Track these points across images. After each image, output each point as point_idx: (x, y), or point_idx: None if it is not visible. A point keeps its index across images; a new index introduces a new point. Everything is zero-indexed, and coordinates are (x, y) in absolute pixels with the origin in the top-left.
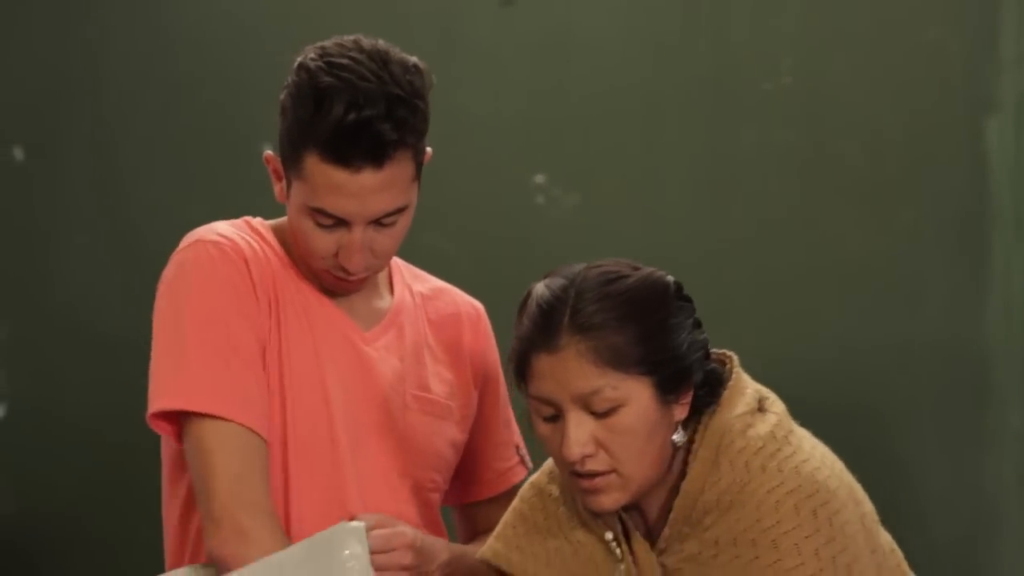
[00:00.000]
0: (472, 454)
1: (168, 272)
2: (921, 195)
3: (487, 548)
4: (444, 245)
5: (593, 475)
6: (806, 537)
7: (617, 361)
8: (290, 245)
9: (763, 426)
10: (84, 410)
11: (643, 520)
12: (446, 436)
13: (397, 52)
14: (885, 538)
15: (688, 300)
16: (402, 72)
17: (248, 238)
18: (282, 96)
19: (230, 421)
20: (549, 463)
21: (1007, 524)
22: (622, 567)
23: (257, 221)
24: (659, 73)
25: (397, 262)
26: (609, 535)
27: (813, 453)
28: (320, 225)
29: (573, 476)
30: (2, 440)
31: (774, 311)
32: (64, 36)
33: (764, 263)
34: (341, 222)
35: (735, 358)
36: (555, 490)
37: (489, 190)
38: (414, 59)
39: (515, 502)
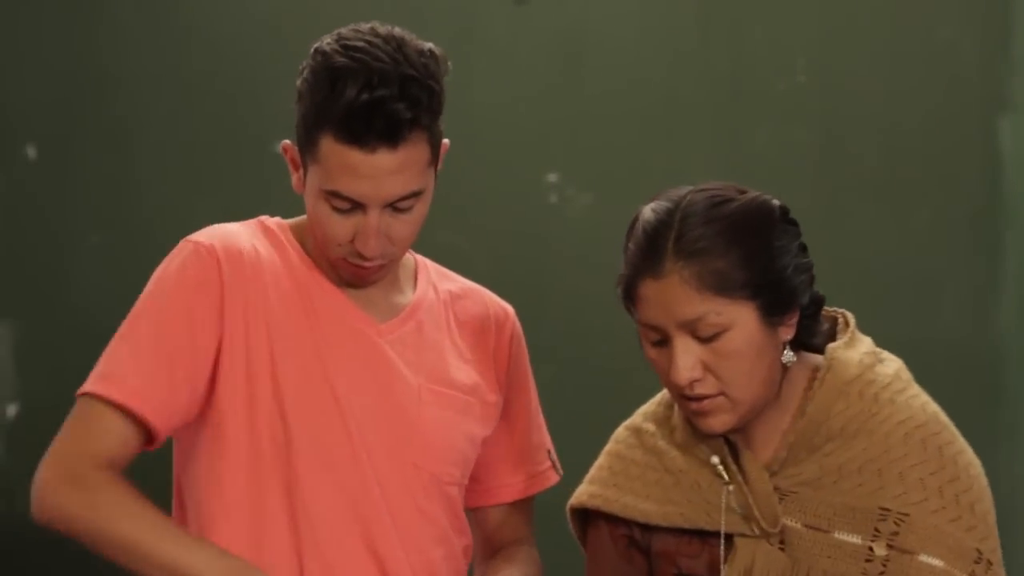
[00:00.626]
0: (500, 457)
1: None
2: (935, 194)
3: (579, 494)
4: (457, 243)
5: (702, 398)
6: (931, 474)
7: (721, 286)
8: (308, 241)
9: (888, 367)
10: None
11: (750, 443)
12: (464, 430)
13: (413, 38)
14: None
15: (794, 223)
16: (417, 55)
17: (252, 239)
18: (298, 82)
19: (107, 401)
20: (642, 408)
21: (1021, 522)
22: (731, 487)
23: (273, 221)
24: (673, 72)
25: (425, 261)
26: (715, 458)
27: (931, 400)
28: (336, 209)
29: (683, 399)
30: (15, 439)
31: None
32: (76, 35)
33: None
34: (357, 206)
35: (849, 315)
36: (651, 427)
37: (502, 189)
38: (429, 45)
39: (609, 445)
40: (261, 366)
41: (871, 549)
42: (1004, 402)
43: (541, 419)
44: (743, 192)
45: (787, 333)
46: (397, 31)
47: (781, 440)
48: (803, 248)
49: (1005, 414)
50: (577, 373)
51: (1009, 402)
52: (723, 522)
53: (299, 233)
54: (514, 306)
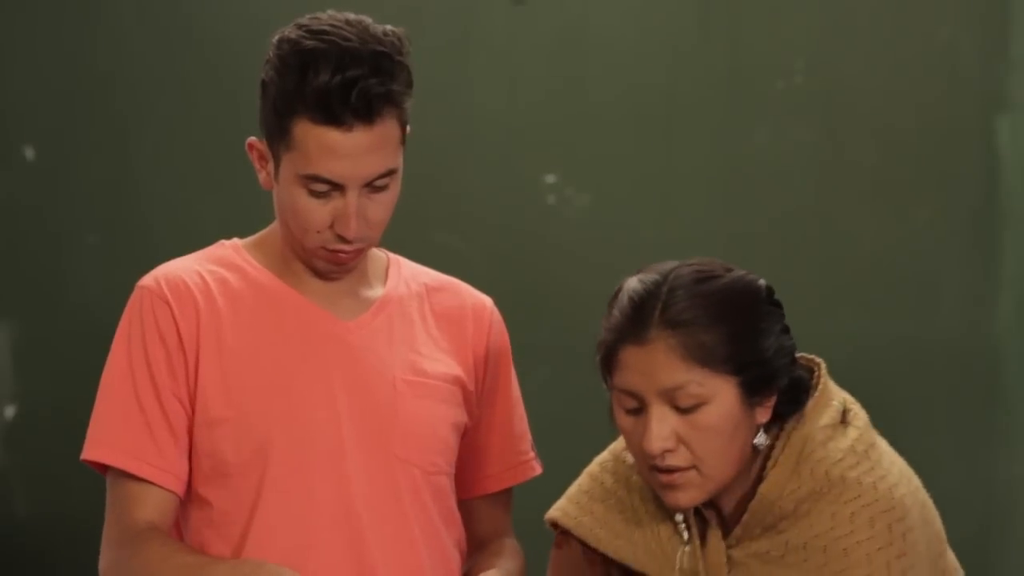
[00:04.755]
0: (481, 448)
1: None
2: (933, 193)
3: (556, 509)
4: (455, 243)
5: (672, 471)
6: (878, 549)
7: (705, 358)
8: (270, 255)
9: (844, 440)
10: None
11: (715, 512)
12: (445, 418)
13: (372, 20)
14: (951, 561)
15: (778, 305)
16: (383, 34)
17: (200, 269)
18: (264, 75)
19: (132, 476)
20: None
21: (1018, 522)
22: (687, 549)
23: (229, 243)
24: (672, 72)
25: (398, 258)
26: (679, 517)
27: (891, 469)
28: (313, 194)
29: (652, 471)
30: (14, 441)
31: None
32: (74, 36)
33: (776, 261)
34: (335, 188)
35: (823, 365)
36: (630, 457)
37: (500, 189)
38: (390, 26)
39: (590, 466)
40: (215, 395)
41: None
42: (1001, 402)
43: (522, 410)
44: (729, 270)
45: (763, 416)
46: (356, 16)
47: (738, 514)
48: (786, 330)
49: (1002, 414)
50: (573, 374)
51: (1006, 402)
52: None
53: (254, 250)
54: (511, 306)
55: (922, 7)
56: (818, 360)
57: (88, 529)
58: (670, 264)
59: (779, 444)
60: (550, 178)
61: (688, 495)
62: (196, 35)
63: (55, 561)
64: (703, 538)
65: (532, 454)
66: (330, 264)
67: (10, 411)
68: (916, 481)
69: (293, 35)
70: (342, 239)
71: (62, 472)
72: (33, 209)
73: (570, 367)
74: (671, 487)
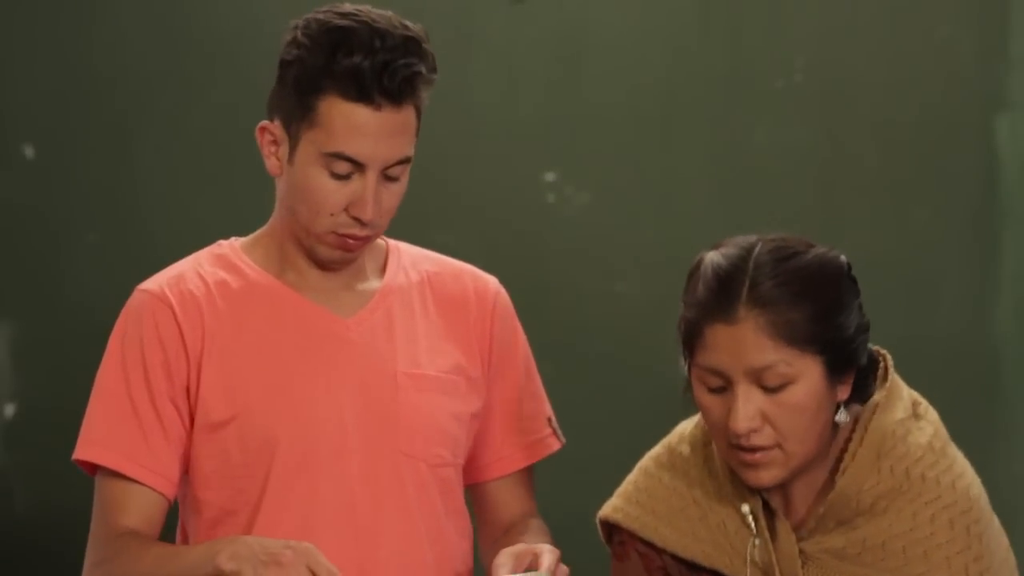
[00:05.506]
0: (493, 429)
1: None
2: (932, 192)
3: (614, 511)
4: (454, 242)
5: (755, 449)
6: (957, 552)
7: (793, 337)
8: (267, 254)
9: (922, 435)
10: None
11: (784, 502)
12: (448, 410)
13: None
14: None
15: (855, 282)
16: (407, 23)
17: (200, 272)
18: (284, 55)
19: (125, 477)
20: (680, 426)
21: (1018, 520)
22: (757, 542)
23: (226, 244)
24: (671, 71)
25: (398, 245)
26: (746, 508)
27: (965, 468)
28: (333, 175)
29: (734, 449)
30: (13, 439)
31: None
32: (74, 34)
33: None
34: (356, 168)
35: (888, 356)
36: (687, 450)
37: (500, 188)
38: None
39: (643, 461)
40: (218, 395)
41: None
42: (1001, 400)
43: (537, 387)
44: (811, 246)
45: (844, 393)
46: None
47: (812, 507)
48: (862, 307)
49: (1002, 412)
50: (574, 372)
51: (1006, 400)
52: (748, 574)
53: (251, 250)
54: (512, 304)
55: (922, 6)
56: (883, 351)
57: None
58: (751, 238)
59: (856, 436)
60: (549, 176)
61: (770, 473)
62: (196, 34)
63: (54, 559)
64: (771, 531)
65: (548, 431)
66: (336, 250)
67: (9, 409)
68: (978, 479)
69: (320, 16)
70: (357, 222)
71: (61, 470)
72: (32, 208)
73: (570, 365)
74: (753, 466)
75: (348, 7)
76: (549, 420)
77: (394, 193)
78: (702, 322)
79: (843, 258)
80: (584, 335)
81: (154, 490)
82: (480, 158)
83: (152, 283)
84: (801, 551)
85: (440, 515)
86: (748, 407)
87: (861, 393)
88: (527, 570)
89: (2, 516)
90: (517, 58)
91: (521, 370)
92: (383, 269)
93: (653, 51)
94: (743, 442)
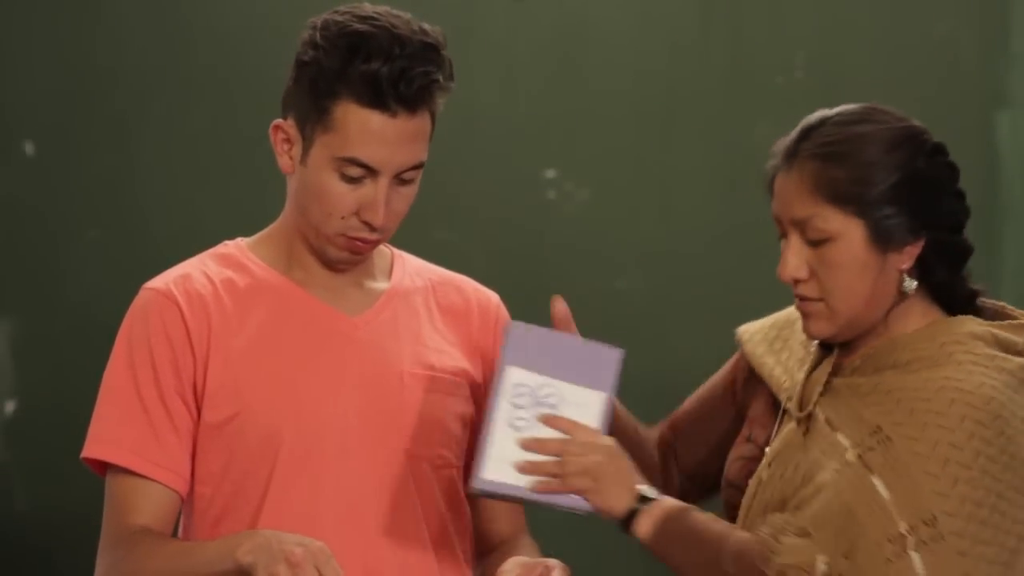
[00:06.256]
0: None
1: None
2: None
3: (745, 326)
4: (455, 240)
5: (805, 299)
6: (939, 426)
7: (832, 195)
8: (275, 252)
9: (994, 355)
10: (95, 406)
11: (850, 346)
12: (453, 411)
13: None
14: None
15: (942, 162)
16: (426, 27)
17: (206, 272)
18: (301, 55)
19: (136, 475)
20: None
21: None
22: (803, 370)
23: (232, 243)
24: (672, 68)
25: (402, 254)
26: (813, 343)
27: (1007, 396)
28: (345, 179)
29: (795, 296)
30: (13, 436)
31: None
32: (74, 31)
33: (775, 256)
34: (368, 174)
35: (1016, 312)
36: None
37: (500, 185)
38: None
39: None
40: (225, 392)
41: (846, 452)
42: None
43: None
44: (901, 120)
45: (903, 262)
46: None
47: (863, 351)
48: (958, 195)
49: None
50: None
51: None
52: (782, 391)
53: (258, 248)
54: (511, 301)
55: (922, 2)
56: (1015, 311)
57: (87, 524)
58: (861, 105)
59: (931, 318)
60: (550, 173)
61: (819, 326)
62: (196, 31)
63: (54, 556)
64: (819, 365)
65: None
66: (346, 252)
67: (10, 406)
68: None
69: (339, 18)
70: (367, 226)
71: (61, 467)
72: (33, 205)
73: None
74: (805, 315)
75: (368, 9)
76: None
77: (405, 196)
78: (773, 168)
79: (925, 136)
80: (584, 331)
81: (166, 487)
82: (480, 155)
83: (158, 281)
84: (830, 382)
85: (443, 515)
86: (794, 258)
87: (931, 273)
88: None
89: (2, 513)
90: (517, 55)
91: None
92: (390, 272)
93: (653, 47)
94: (794, 290)
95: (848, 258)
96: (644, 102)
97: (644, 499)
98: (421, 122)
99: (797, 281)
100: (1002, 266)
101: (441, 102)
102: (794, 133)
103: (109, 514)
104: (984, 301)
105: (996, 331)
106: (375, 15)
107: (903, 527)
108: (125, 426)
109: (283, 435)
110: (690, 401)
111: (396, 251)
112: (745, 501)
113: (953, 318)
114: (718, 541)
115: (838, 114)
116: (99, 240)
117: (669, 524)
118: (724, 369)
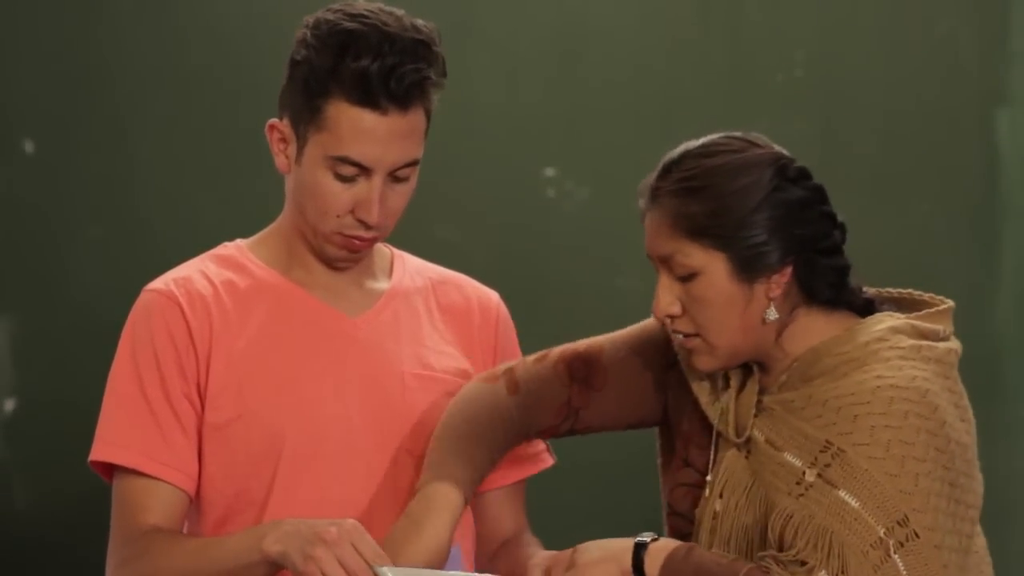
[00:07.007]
0: None
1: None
2: (932, 188)
3: None
4: (454, 237)
5: (682, 335)
6: (886, 426)
7: (690, 230)
8: (275, 253)
9: (911, 343)
10: (95, 404)
11: (768, 365)
12: None
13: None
14: (972, 499)
15: (804, 186)
16: (421, 24)
17: (206, 272)
18: (294, 54)
19: (145, 476)
20: None
21: (1018, 518)
22: (729, 393)
23: (232, 245)
24: (672, 65)
25: (402, 254)
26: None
27: (939, 390)
28: (339, 177)
29: (671, 332)
30: (13, 434)
31: None
32: (74, 30)
33: None
34: (361, 172)
35: (948, 304)
36: None
37: (500, 183)
38: (420, 20)
39: None
40: (226, 394)
41: (804, 474)
42: (1001, 397)
43: None
44: (757, 146)
45: (771, 290)
46: (387, 6)
47: (788, 367)
48: (826, 215)
49: (1003, 407)
50: None
51: (1006, 397)
52: (716, 420)
53: (258, 248)
54: (511, 300)
55: (922, 2)
56: (943, 301)
57: (87, 521)
58: (724, 134)
59: (844, 324)
60: (549, 171)
61: (701, 360)
62: (196, 29)
63: (54, 554)
64: (742, 386)
65: (543, 446)
66: (342, 251)
67: (10, 404)
68: (969, 417)
69: (330, 16)
70: (362, 224)
71: (61, 465)
72: (32, 203)
73: None
74: (686, 351)
75: (360, 6)
76: None
77: (401, 194)
78: (642, 207)
79: (783, 162)
80: (584, 330)
81: (175, 487)
82: (480, 153)
83: (159, 283)
84: (760, 403)
85: None
86: (665, 294)
87: (821, 296)
88: None
89: (2, 511)
90: (517, 53)
91: None
92: (390, 271)
93: (653, 46)
94: (669, 328)
95: (714, 292)
96: (644, 100)
97: (641, 545)
98: (414, 119)
99: (671, 317)
100: (1002, 265)
101: (435, 99)
102: (656, 170)
103: (118, 514)
104: (889, 292)
105: (915, 322)
106: (366, 13)
107: (881, 531)
108: (132, 428)
109: (286, 436)
110: (609, 354)
111: (396, 251)
112: (703, 535)
113: (869, 317)
114: (730, 572)
115: (698, 147)
116: (99, 238)
117: (675, 564)
118: (657, 340)
